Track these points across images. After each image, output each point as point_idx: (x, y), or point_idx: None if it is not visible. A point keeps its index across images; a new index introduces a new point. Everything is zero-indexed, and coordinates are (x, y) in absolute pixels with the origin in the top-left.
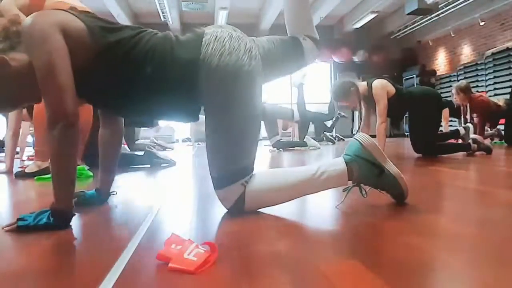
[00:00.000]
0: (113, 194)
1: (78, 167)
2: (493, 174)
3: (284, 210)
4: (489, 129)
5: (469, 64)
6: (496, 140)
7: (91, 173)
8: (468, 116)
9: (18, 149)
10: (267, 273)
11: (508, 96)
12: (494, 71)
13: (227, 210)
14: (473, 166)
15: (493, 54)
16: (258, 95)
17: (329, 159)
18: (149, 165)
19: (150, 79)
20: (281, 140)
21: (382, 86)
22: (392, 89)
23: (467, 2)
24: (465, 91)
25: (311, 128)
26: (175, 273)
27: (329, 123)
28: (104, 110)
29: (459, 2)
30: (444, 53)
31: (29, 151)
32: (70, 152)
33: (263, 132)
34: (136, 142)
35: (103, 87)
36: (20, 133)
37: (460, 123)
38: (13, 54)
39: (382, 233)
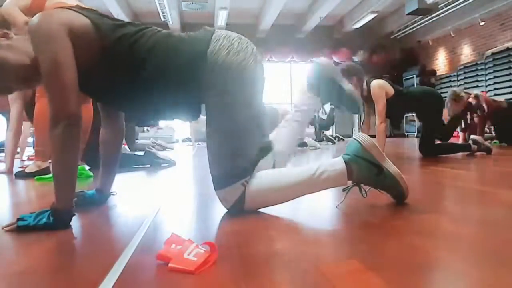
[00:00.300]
0: (113, 194)
1: (78, 167)
2: (493, 174)
3: (284, 210)
4: (488, 129)
5: (469, 64)
6: (496, 140)
7: (91, 173)
8: (468, 117)
9: (18, 149)
10: (267, 273)
11: (508, 97)
12: (494, 71)
13: (227, 210)
14: (473, 166)
15: (493, 54)
16: (260, 96)
17: (328, 159)
18: (149, 165)
19: (154, 72)
20: None
21: (380, 86)
22: (390, 90)
23: (467, 2)
24: (458, 97)
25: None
26: (175, 273)
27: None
28: (107, 105)
29: (459, 2)
30: (444, 53)
31: (29, 151)
32: (72, 151)
33: None
34: (137, 142)
35: (107, 81)
36: (21, 133)
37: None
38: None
39: (382, 233)
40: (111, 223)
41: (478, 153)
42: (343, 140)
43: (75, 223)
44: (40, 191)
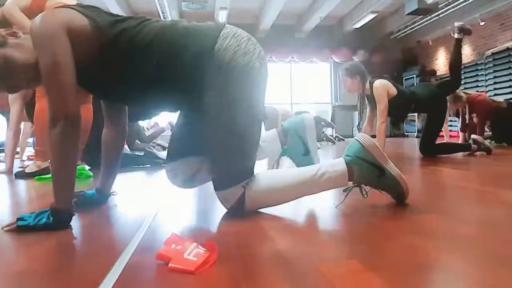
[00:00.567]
0: (113, 194)
1: (78, 167)
2: (493, 174)
3: (284, 210)
4: (488, 129)
5: (469, 64)
6: (492, 141)
7: (91, 173)
8: (467, 116)
9: (18, 149)
10: (267, 273)
11: (508, 97)
12: (494, 71)
13: (227, 210)
14: (473, 166)
15: (493, 54)
16: (262, 98)
17: (329, 159)
18: (149, 165)
19: (157, 65)
20: None
21: (382, 86)
22: (393, 90)
23: (467, 2)
24: (456, 98)
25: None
26: (175, 273)
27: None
28: (107, 100)
29: (459, 2)
30: (444, 53)
31: (29, 151)
32: (71, 151)
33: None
34: (137, 142)
35: (108, 76)
36: (21, 133)
37: (459, 123)
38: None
39: (382, 233)
40: (111, 223)
41: (478, 153)
42: (343, 140)
43: (75, 223)
44: (40, 191)
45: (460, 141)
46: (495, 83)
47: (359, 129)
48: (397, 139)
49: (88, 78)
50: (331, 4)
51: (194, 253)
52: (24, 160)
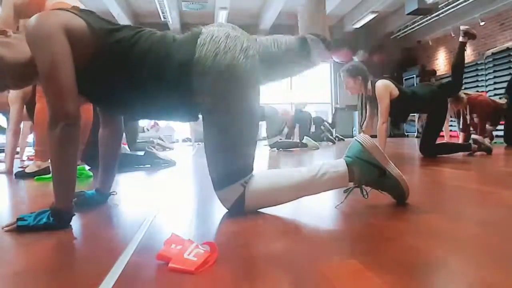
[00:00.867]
0: (113, 194)
1: (78, 167)
2: (493, 174)
3: (284, 210)
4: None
5: (469, 64)
6: (496, 140)
7: (91, 173)
8: (468, 117)
9: (18, 149)
10: (267, 273)
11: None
12: (494, 71)
13: (227, 210)
14: (474, 166)
15: (493, 54)
16: (254, 94)
17: (329, 159)
18: (149, 165)
19: (147, 79)
20: (280, 141)
21: (384, 86)
22: (395, 90)
23: (467, 2)
24: (457, 99)
25: (311, 128)
26: (175, 273)
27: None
28: (102, 108)
29: (459, 2)
30: (444, 53)
31: (29, 151)
32: (70, 151)
33: (263, 132)
34: (138, 142)
35: (102, 85)
36: (21, 133)
37: (459, 123)
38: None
39: (382, 233)
40: (111, 223)
41: (478, 153)
42: (343, 140)
43: (75, 223)
44: (40, 191)
45: (460, 141)
46: (495, 83)
47: (360, 130)
48: (397, 139)
49: (81, 83)
50: (331, 4)
51: (194, 253)
52: (24, 160)
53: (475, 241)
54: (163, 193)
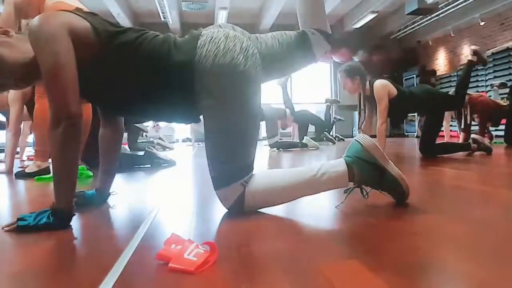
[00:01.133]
0: (113, 194)
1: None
2: (493, 174)
3: (284, 210)
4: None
5: None
6: (496, 140)
7: (91, 173)
8: (468, 117)
9: (18, 149)
10: (267, 273)
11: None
12: (494, 71)
13: (227, 210)
14: (473, 166)
15: (493, 54)
16: (255, 94)
17: (329, 159)
18: (149, 166)
19: (149, 82)
20: (280, 141)
21: (383, 86)
22: (394, 90)
23: (467, 2)
24: None
25: (311, 128)
26: (175, 273)
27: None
28: (104, 109)
29: (459, 2)
30: (444, 53)
31: (29, 151)
32: (71, 151)
33: (263, 132)
34: (139, 141)
35: (104, 86)
36: (21, 133)
37: (459, 123)
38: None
39: (382, 233)
40: (111, 223)
41: (478, 153)
42: (343, 140)
43: (75, 223)
44: (40, 191)
45: (460, 141)
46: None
47: (360, 130)
48: (397, 139)
49: (84, 85)
50: (331, 4)
51: (194, 253)
52: (24, 160)
53: (475, 241)
54: (163, 193)
